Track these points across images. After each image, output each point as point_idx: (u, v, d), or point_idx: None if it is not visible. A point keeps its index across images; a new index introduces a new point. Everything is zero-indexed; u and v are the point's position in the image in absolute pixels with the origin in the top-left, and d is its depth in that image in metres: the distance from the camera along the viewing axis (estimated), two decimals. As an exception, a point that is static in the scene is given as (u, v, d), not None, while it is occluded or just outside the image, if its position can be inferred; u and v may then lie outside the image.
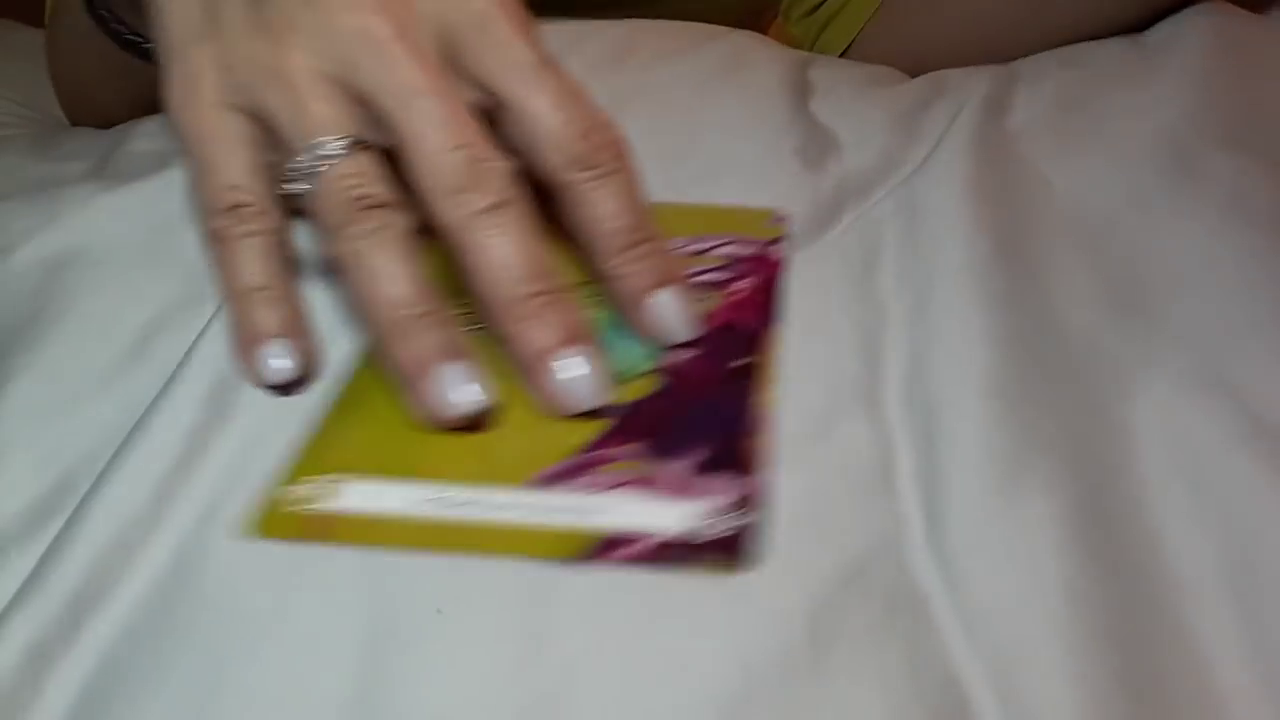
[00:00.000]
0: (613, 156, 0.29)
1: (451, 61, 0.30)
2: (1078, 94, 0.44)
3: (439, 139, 0.28)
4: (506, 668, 0.22)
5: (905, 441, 0.27)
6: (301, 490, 0.26)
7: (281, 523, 0.25)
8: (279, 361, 0.28)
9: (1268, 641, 0.22)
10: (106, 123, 0.46)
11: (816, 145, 0.41)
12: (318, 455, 0.27)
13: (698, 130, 0.41)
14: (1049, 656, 0.22)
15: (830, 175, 0.38)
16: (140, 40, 0.42)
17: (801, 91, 0.45)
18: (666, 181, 0.38)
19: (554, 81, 0.29)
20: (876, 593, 0.23)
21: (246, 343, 0.29)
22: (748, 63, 0.47)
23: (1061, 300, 0.32)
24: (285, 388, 0.29)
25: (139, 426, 0.27)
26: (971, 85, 0.45)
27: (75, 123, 0.54)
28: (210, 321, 0.30)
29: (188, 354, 0.30)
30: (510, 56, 0.29)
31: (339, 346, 0.30)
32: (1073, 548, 0.24)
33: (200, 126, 0.30)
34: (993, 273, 0.32)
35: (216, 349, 0.29)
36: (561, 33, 0.47)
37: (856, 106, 0.45)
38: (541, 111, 0.29)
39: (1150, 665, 0.22)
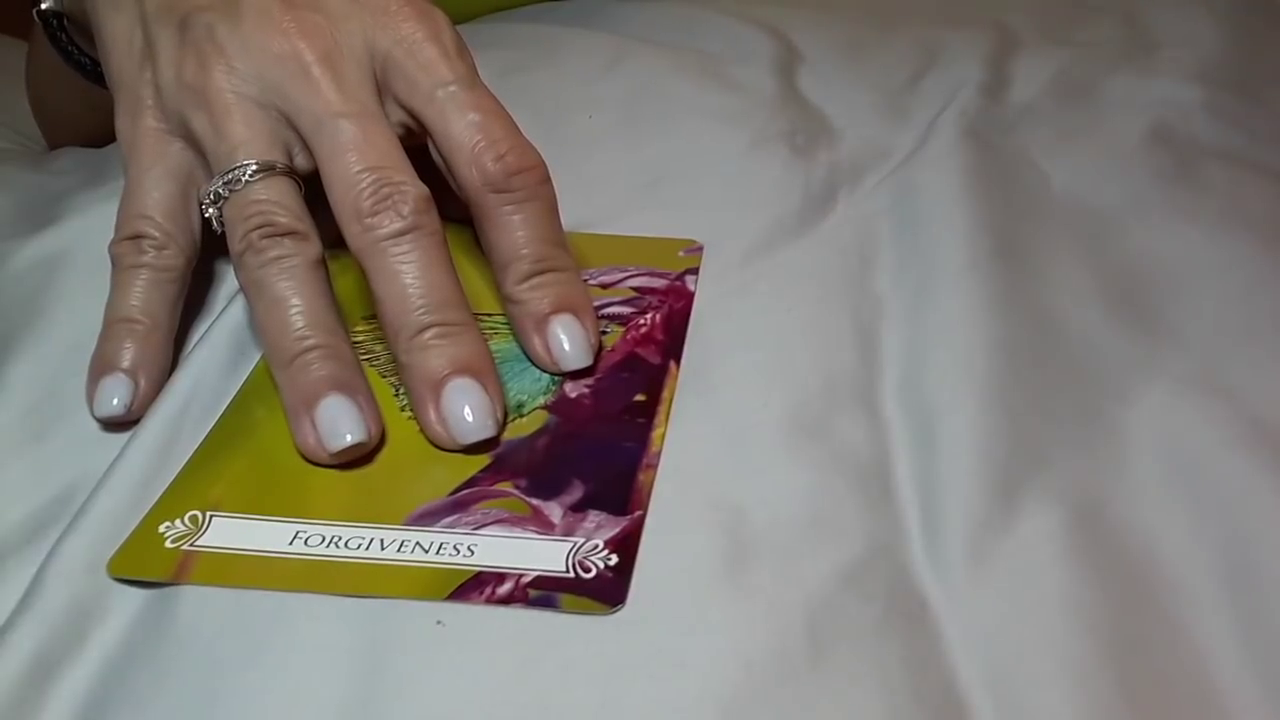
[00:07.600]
0: (530, 182, 0.29)
1: (383, 85, 0.30)
2: (1077, 78, 0.44)
3: (350, 161, 0.28)
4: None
5: (903, 443, 0.27)
6: (165, 526, 0.25)
7: (138, 561, 0.24)
8: (112, 399, 0.28)
9: (1267, 645, 0.23)
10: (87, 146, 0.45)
11: (806, 131, 0.40)
12: (186, 489, 0.26)
13: (682, 116, 0.41)
14: (1047, 661, 0.22)
15: (821, 164, 0.38)
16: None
17: (789, 64, 0.45)
18: (654, 175, 0.38)
19: (475, 104, 0.29)
20: (876, 593, 0.23)
21: (94, 370, 0.29)
22: (727, 28, 0.46)
23: (1060, 302, 0.32)
24: (116, 423, 0.28)
25: (136, 433, 0.27)
26: (965, 59, 0.45)
27: (55, 148, 0.53)
28: (210, 328, 0.30)
29: (185, 359, 0.30)
30: (433, 79, 0.29)
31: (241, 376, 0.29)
32: (1071, 555, 0.24)
33: (136, 151, 0.30)
34: (992, 273, 0.32)
35: (216, 356, 0.29)
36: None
37: (845, 82, 0.44)
38: (457, 133, 0.29)
39: (1149, 669, 0.22)
